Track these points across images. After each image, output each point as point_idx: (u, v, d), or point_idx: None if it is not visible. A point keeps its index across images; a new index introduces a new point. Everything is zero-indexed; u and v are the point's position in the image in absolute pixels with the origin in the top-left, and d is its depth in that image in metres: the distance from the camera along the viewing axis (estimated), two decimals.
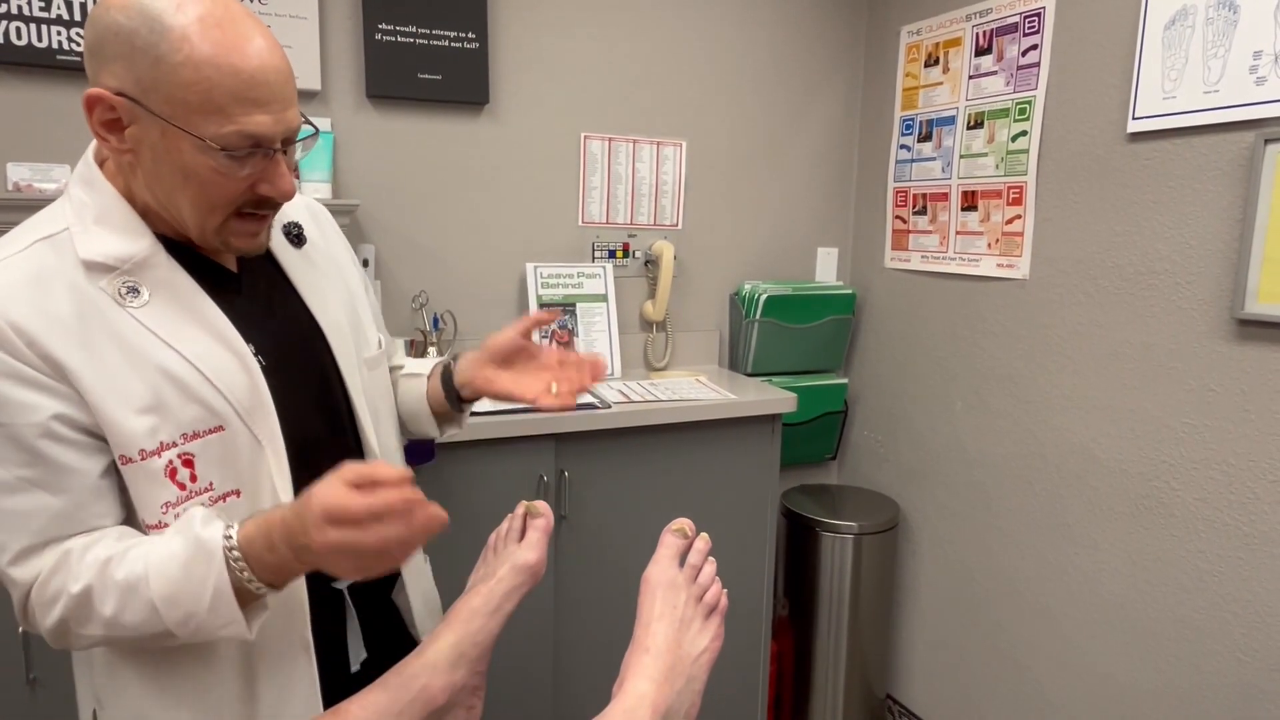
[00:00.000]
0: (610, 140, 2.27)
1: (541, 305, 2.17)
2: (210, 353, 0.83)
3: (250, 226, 0.85)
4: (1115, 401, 1.81)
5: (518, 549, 0.96)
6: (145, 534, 0.82)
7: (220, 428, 0.83)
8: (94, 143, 0.83)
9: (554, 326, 2.17)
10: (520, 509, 0.99)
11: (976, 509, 2.18)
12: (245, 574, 0.77)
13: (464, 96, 2.06)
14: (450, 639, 0.88)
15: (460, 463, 1.75)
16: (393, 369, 1.18)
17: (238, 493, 0.86)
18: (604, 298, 2.25)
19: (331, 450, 0.96)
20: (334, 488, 0.72)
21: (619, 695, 0.77)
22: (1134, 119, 1.72)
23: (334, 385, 0.98)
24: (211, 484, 0.84)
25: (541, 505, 0.99)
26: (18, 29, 1.67)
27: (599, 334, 2.22)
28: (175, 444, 0.81)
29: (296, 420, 0.90)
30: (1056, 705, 1.96)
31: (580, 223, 2.28)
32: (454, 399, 1.12)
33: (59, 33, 1.70)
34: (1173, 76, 1.64)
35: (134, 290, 0.81)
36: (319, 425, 0.96)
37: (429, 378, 1.15)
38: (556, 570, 1.89)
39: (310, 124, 0.87)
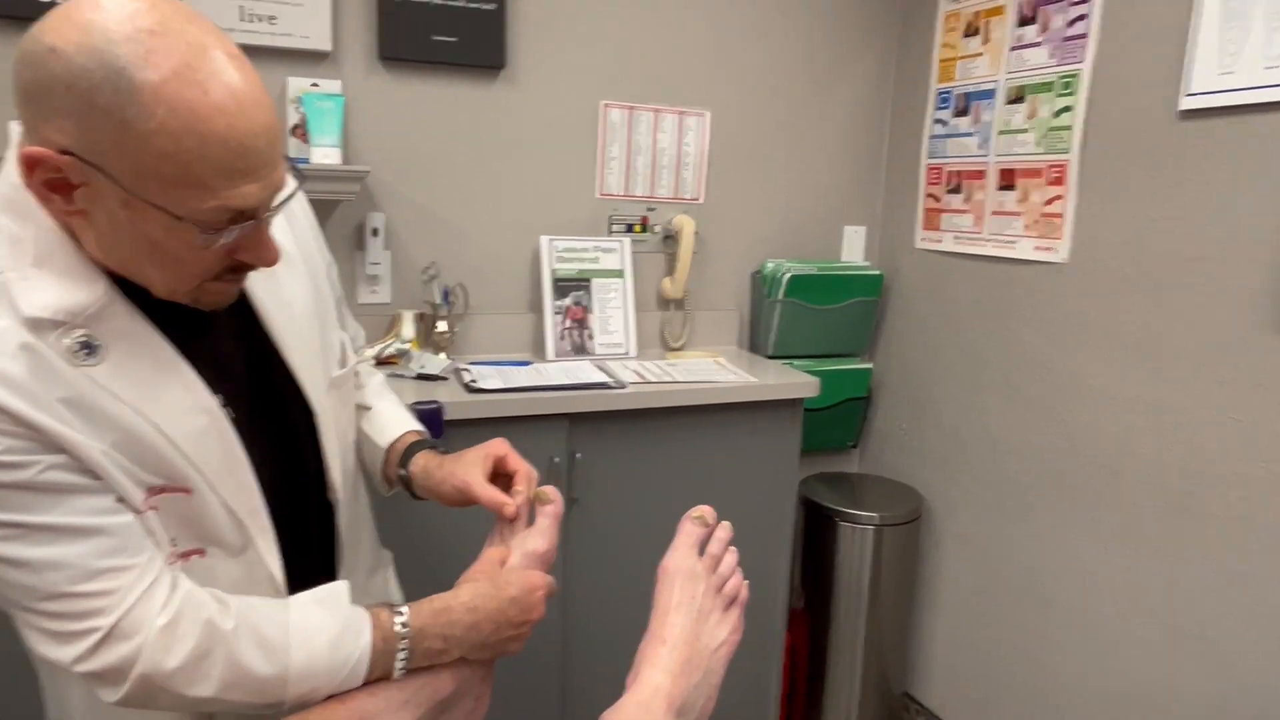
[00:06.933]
0: (632, 109, 2.19)
1: (556, 280, 2.10)
2: (178, 415, 0.75)
3: (225, 288, 0.76)
4: (1154, 393, 1.73)
5: (527, 535, 0.94)
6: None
7: (187, 489, 0.77)
8: (12, 152, 0.69)
9: (569, 303, 2.10)
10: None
11: (1004, 501, 2.11)
12: (402, 658, 0.79)
13: (480, 60, 1.98)
14: None
15: (470, 441, 1.66)
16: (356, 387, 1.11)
17: (201, 552, 0.80)
18: (621, 273, 2.18)
19: (300, 492, 0.92)
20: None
21: (633, 687, 0.75)
22: (1187, 95, 1.63)
23: (301, 422, 0.91)
24: (175, 540, 0.77)
25: (552, 491, 0.96)
26: None
27: (614, 311, 2.16)
28: (145, 498, 0.75)
29: (268, 471, 0.84)
30: (1080, 708, 1.90)
31: (598, 195, 2.21)
32: (404, 483, 1.06)
33: None
34: (1231, 50, 1.55)
35: (87, 346, 0.70)
36: (290, 470, 0.90)
37: (388, 451, 1.07)
38: (566, 555, 1.84)
39: (296, 171, 0.78)
